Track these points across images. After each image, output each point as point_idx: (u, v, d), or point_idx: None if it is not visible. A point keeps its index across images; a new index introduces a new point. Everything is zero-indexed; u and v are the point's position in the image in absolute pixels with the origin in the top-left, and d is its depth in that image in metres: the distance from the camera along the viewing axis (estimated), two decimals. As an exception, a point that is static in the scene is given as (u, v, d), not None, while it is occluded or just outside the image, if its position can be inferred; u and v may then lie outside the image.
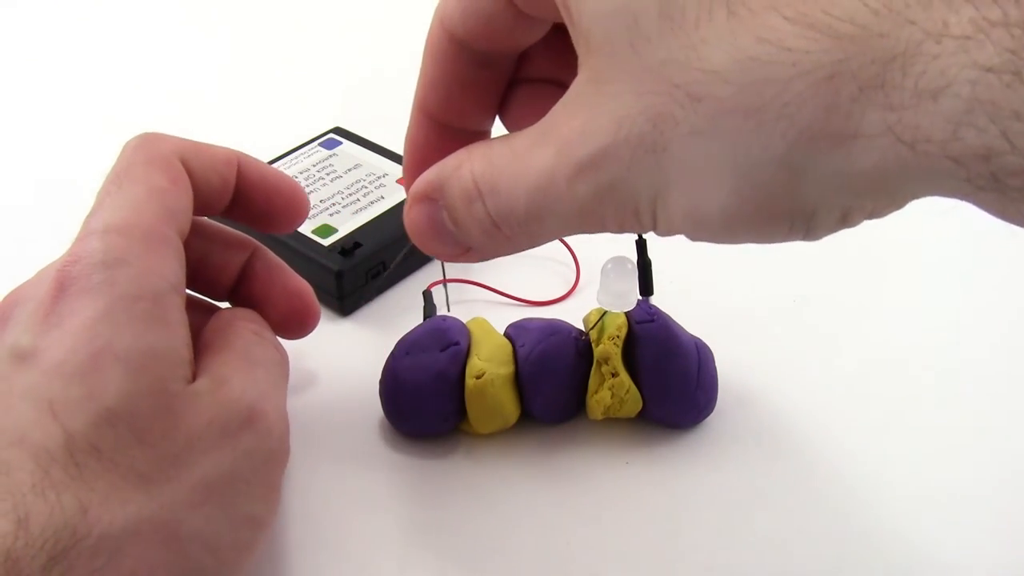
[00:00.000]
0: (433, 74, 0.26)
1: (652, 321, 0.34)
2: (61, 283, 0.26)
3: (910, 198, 0.20)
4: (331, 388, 0.37)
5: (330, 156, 0.46)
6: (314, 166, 0.45)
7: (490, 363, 0.34)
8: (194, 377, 0.28)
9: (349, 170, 0.45)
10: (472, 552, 0.32)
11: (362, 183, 0.44)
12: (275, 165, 0.45)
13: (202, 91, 0.57)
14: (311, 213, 0.40)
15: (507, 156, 0.23)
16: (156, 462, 0.25)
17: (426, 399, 0.34)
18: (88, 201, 0.29)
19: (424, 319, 0.37)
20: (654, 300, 0.34)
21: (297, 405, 0.35)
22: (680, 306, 0.36)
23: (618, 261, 0.33)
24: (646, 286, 0.34)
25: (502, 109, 0.28)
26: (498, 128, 0.28)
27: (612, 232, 0.23)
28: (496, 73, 0.27)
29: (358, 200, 0.43)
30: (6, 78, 0.58)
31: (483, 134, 0.28)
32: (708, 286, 0.41)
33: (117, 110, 0.55)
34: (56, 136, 0.53)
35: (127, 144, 0.30)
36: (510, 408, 0.34)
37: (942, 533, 0.32)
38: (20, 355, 0.26)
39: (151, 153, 0.30)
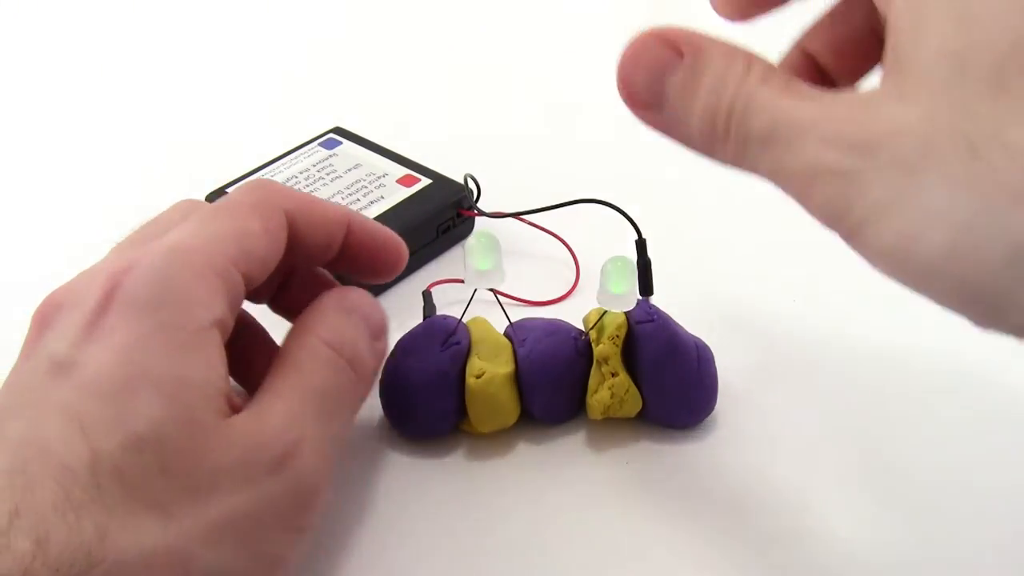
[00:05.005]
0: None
1: (652, 321, 0.34)
2: (109, 292, 0.26)
3: None
4: (331, 388, 0.37)
5: (330, 156, 0.46)
6: (314, 166, 0.45)
7: (490, 363, 0.34)
8: (235, 407, 0.27)
9: (349, 170, 0.45)
10: (472, 552, 0.32)
11: (362, 183, 0.44)
12: (275, 165, 0.45)
13: (203, 91, 0.57)
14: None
15: (805, 107, 0.22)
16: (177, 494, 0.25)
17: (426, 399, 0.34)
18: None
19: (424, 319, 0.37)
20: (654, 300, 0.34)
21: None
22: (680, 306, 0.36)
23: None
24: (646, 286, 0.34)
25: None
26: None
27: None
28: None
29: (358, 200, 0.43)
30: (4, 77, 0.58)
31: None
32: (708, 286, 0.41)
33: (117, 109, 0.55)
34: (53, 135, 0.53)
35: (245, 183, 0.31)
36: (510, 408, 0.34)
37: (943, 532, 0.32)
38: (58, 364, 0.25)
39: (260, 198, 0.30)
